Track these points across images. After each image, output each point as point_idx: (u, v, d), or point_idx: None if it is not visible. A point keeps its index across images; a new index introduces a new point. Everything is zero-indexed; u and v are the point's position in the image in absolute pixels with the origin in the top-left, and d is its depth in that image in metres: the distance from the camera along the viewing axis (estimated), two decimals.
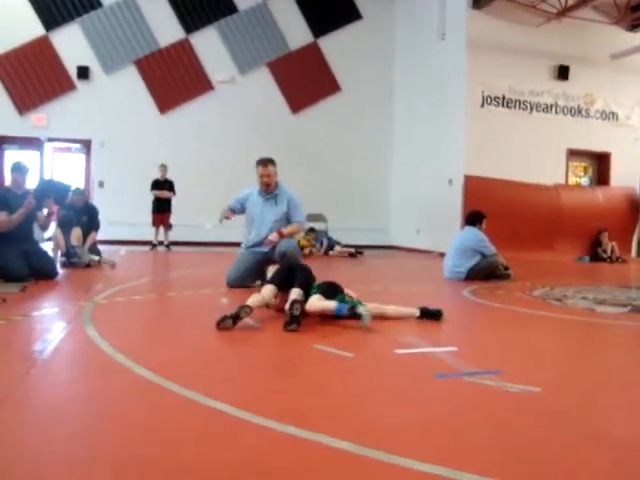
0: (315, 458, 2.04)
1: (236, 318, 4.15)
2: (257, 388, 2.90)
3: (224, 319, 4.13)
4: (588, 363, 3.76)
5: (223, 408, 2.47)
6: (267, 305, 4.62)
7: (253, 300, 4.40)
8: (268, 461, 2.01)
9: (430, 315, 4.64)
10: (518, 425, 2.43)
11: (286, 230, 6.23)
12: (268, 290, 4.63)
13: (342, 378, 3.14)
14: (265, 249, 6.22)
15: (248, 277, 6.25)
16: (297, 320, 4.16)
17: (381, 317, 4.56)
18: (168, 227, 12.13)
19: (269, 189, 6.46)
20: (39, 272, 6.38)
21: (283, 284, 4.69)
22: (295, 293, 4.44)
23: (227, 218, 6.39)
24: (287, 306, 4.30)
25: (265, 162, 6.47)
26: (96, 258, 8.28)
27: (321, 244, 12.55)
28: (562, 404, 2.74)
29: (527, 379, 3.01)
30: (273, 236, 6.12)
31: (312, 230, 12.55)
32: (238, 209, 6.55)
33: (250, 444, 2.15)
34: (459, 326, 4.97)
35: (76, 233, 8.20)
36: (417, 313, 4.63)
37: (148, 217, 12.08)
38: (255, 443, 2.16)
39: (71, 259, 8.05)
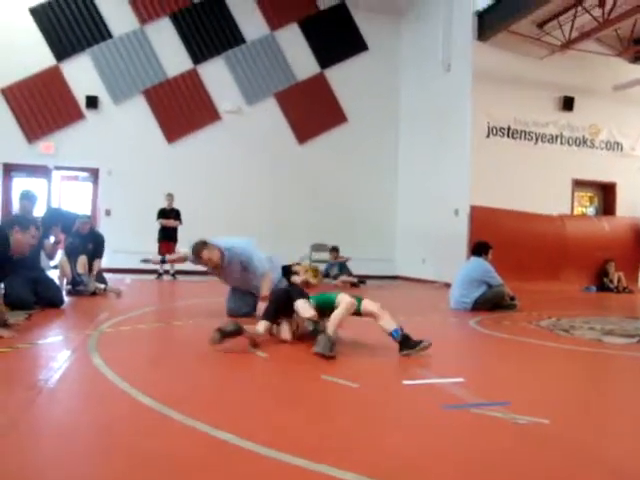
0: None
1: (223, 335, 4.32)
2: (263, 419, 2.88)
3: (216, 336, 4.32)
4: (597, 394, 3.72)
5: (227, 438, 2.45)
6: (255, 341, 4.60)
7: (249, 327, 4.54)
8: None
9: (407, 344, 4.43)
10: (527, 457, 2.40)
11: (264, 292, 5.89)
12: (262, 326, 4.74)
13: (349, 409, 3.12)
14: None
15: (244, 305, 6.30)
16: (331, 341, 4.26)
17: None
18: None
19: (214, 267, 6.21)
20: (45, 300, 6.39)
21: (280, 313, 4.80)
22: (305, 310, 4.55)
23: None
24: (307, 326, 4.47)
25: (196, 251, 6.16)
26: (102, 286, 8.29)
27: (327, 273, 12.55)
28: (571, 436, 2.71)
29: (535, 411, 2.99)
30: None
31: (335, 249, 12.68)
32: None
33: (254, 474, 2.13)
34: (466, 357, 4.94)
35: (82, 261, 8.22)
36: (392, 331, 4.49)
37: (154, 246, 12.10)
38: (259, 474, 2.13)
39: (77, 287, 8.05)
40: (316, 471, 2.14)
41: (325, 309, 4.71)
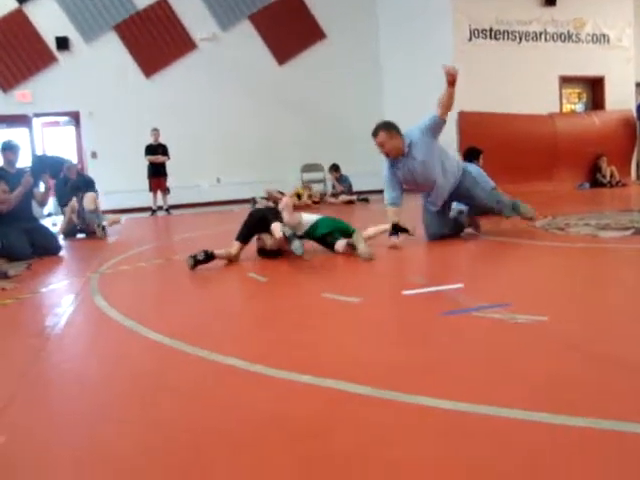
0: (336, 405, 2.08)
1: (196, 262, 4.78)
2: (269, 342, 2.93)
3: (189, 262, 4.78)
4: (594, 289, 3.78)
5: (238, 364, 2.50)
6: (230, 259, 5.05)
7: (220, 251, 4.96)
8: (290, 412, 2.04)
9: (401, 230, 5.19)
10: (529, 354, 2.46)
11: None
12: (235, 246, 5.09)
13: (353, 324, 3.17)
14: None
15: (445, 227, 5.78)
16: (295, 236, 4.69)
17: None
18: (165, 191, 12.10)
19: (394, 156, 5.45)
20: (42, 249, 6.39)
21: (254, 233, 5.16)
22: (278, 227, 4.78)
23: None
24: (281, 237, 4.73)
25: (373, 133, 5.46)
26: (104, 222, 8.26)
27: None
28: (571, 331, 2.76)
29: (535, 309, 3.03)
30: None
31: (335, 167, 12.69)
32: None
33: (269, 397, 2.18)
34: (464, 262, 4.99)
35: (91, 197, 8.17)
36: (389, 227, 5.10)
37: (145, 183, 12.03)
38: (274, 396, 2.18)
39: (87, 223, 8.06)
40: (325, 386, 2.20)
41: (337, 233, 5.22)
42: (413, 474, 1.59)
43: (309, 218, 5.37)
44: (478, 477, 1.55)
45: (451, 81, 5.17)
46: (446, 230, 5.69)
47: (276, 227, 4.75)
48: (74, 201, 8.22)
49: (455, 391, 2.07)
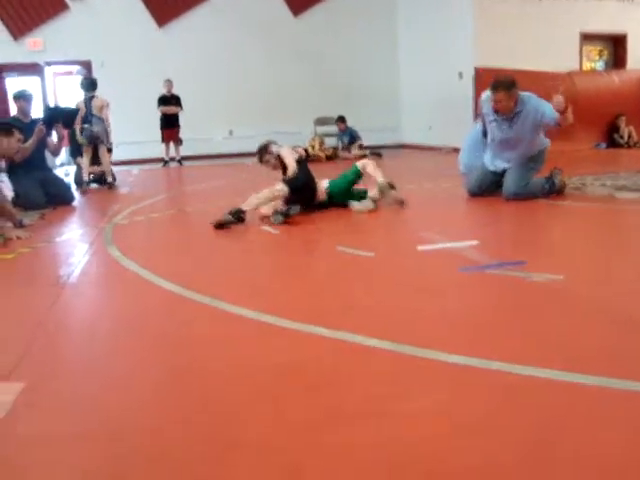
0: (346, 356, 2.09)
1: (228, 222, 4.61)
2: (283, 293, 2.95)
3: (221, 224, 4.59)
4: (609, 249, 3.75)
5: (251, 315, 2.52)
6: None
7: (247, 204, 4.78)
8: (303, 362, 2.06)
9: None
10: (544, 312, 2.46)
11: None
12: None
13: (367, 278, 3.17)
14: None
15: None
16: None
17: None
18: (178, 142, 12.02)
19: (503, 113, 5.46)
20: (56, 198, 6.40)
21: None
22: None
23: None
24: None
25: (494, 87, 5.46)
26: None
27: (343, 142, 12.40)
28: (587, 290, 2.75)
29: (551, 268, 3.02)
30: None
31: (341, 119, 12.48)
32: None
33: (282, 347, 2.20)
34: (479, 220, 4.97)
35: (100, 101, 8.15)
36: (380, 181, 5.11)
37: (157, 134, 11.95)
38: (287, 346, 2.20)
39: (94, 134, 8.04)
40: (339, 338, 2.21)
41: (351, 185, 5.33)
42: (425, 427, 1.60)
43: (323, 185, 5.33)
44: (489, 431, 1.56)
45: (560, 111, 5.16)
46: (486, 191, 5.69)
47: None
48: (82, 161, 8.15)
49: (468, 346, 2.08)
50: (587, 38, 13.12)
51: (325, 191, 5.25)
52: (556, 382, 1.79)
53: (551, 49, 12.34)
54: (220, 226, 4.58)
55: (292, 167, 5.06)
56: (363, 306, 2.65)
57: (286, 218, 4.58)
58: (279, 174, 5.26)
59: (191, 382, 1.95)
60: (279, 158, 5.22)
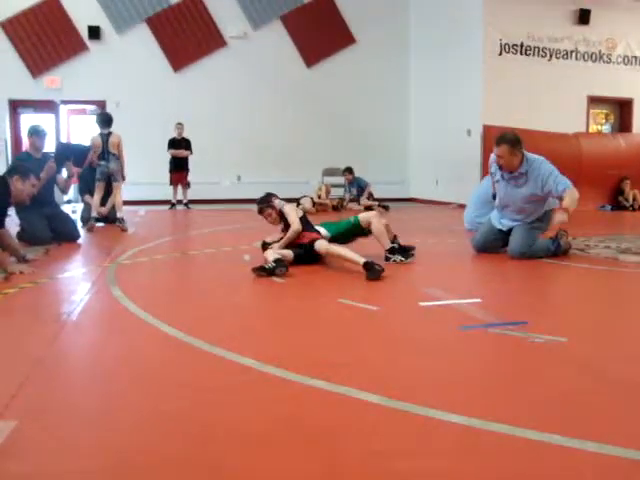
0: (346, 411, 2.07)
1: (270, 273, 4.46)
2: (284, 343, 2.93)
3: (260, 269, 4.48)
4: (613, 312, 3.74)
5: (251, 364, 2.50)
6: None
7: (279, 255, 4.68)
8: (299, 415, 2.03)
9: (372, 270, 4.38)
10: (545, 375, 2.44)
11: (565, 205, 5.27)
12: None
13: (368, 332, 3.16)
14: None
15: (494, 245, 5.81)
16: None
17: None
18: (186, 186, 12.13)
19: (505, 170, 5.56)
20: (62, 235, 6.43)
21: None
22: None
23: None
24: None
25: (497, 141, 5.55)
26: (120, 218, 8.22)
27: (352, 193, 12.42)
28: (589, 353, 2.73)
29: (553, 329, 3.01)
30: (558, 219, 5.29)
31: (349, 170, 12.45)
32: None
33: (279, 398, 2.17)
34: (482, 277, 4.96)
35: (117, 137, 8.18)
36: (361, 262, 4.50)
37: (166, 176, 12.07)
38: (284, 397, 2.18)
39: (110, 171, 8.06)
40: (338, 392, 2.19)
41: (347, 234, 5.32)
42: None
43: (322, 232, 5.30)
44: None
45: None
46: (491, 248, 5.72)
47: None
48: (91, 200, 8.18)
49: (467, 406, 2.05)
50: (594, 101, 13.32)
51: (326, 237, 5.18)
52: (555, 446, 1.76)
53: (559, 110, 12.53)
54: (262, 273, 4.48)
55: (296, 225, 5.02)
56: (363, 362, 2.63)
57: (268, 275, 4.47)
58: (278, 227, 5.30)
59: (186, 429, 1.92)
60: (281, 214, 5.21)
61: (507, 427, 1.88)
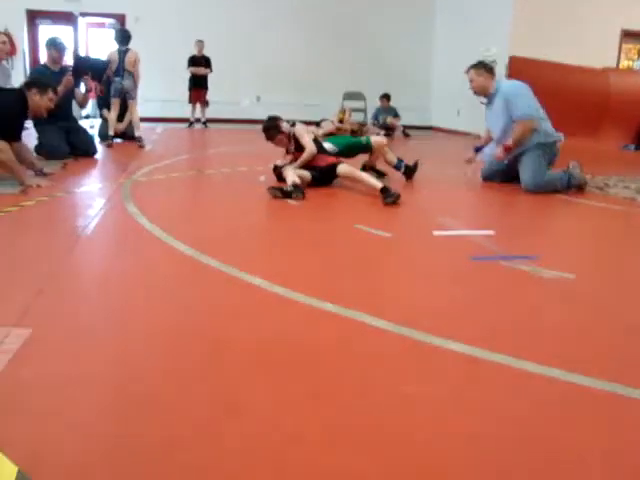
0: (351, 334, 2.10)
1: (287, 196, 4.49)
2: (295, 266, 2.96)
3: (276, 189, 4.52)
4: (625, 253, 3.72)
5: (261, 284, 2.54)
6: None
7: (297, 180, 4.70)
8: (301, 335, 2.08)
9: (388, 194, 4.48)
10: (549, 310, 2.46)
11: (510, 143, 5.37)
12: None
13: (381, 258, 3.19)
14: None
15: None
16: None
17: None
18: (205, 104, 12.00)
19: (479, 94, 5.69)
20: (79, 149, 6.44)
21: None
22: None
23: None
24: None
25: (467, 69, 5.67)
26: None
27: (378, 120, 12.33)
28: (595, 292, 2.74)
29: (562, 266, 3.01)
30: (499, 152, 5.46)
31: (386, 96, 12.46)
32: None
33: (285, 318, 2.22)
34: (497, 209, 4.94)
35: (134, 55, 8.08)
36: (379, 187, 4.62)
37: (184, 94, 11.94)
38: (290, 318, 2.22)
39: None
40: (347, 317, 2.22)
41: (355, 150, 5.68)
42: (422, 411, 1.62)
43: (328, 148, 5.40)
44: (483, 420, 1.57)
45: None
46: (497, 179, 5.80)
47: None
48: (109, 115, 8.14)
49: (472, 336, 2.09)
50: (628, 35, 12.87)
51: (333, 152, 5.32)
52: (555, 380, 1.80)
53: (589, 43, 12.12)
54: (278, 194, 4.50)
55: (310, 149, 5.05)
56: (376, 288, 2.66)
57: (284, 197, 4.50)
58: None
59: (195, 345, 1.97)
60: (293, 137, 5.18)
61: (509, 358, 1.91)
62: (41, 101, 4.92)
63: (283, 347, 1.97)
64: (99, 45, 13.53)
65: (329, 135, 6.65)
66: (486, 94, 5.61)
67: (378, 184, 4.64)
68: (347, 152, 5.55)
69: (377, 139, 5.76)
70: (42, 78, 5.59)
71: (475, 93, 5.70)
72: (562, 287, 2.72)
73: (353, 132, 11.59)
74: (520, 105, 5.34)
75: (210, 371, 1.78)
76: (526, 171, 5.39)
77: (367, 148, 5.66)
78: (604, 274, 3.11)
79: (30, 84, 5.00)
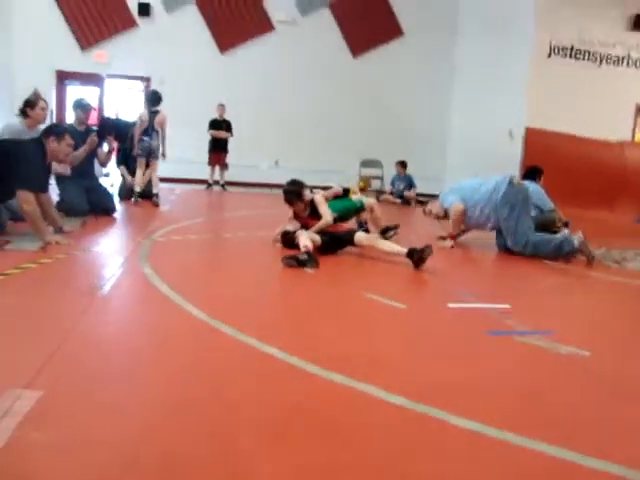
0: (362, 408, 2.08)
1: (301, 265, 4.43)
2: (308, 335, 2.94)
3: (291, 258, 4.45)
4: None
5: (274, 352, 2.52)
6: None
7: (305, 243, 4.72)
8: (315, 407, 2.05)
9: (416, 253, 4.56)
10: (565, 388, 2.42)
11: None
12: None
13: (393, 330, 3.16)
14: None
15: None
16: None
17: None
18: (224, 167, 12.20)
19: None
20: (98, 208, 6.54)
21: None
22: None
23: None
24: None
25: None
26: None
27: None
28: (611, 370, 2.70)
29: (578, 342, 2.98)
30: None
31: (402, 164, 12.63)
32: None
33: (298, 389, 2.20)
34: (513, 283, 4.91)
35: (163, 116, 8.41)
36: (404, 252, 4.67)
37: (205, 156, 12.15)
38: (303, 389, 2.20)
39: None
40: (363, 391, 2.20)
41: (350, 214, 5.90)
42: None
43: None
44: None
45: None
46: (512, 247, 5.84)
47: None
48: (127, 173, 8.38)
49: (485, 414, 2.05)
50: None
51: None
52: (565, 462, 1.76)
53: (605, 117, 12.27)
54: (293, 263, 4.44)
55: (327, 218, 5.18)
56: (387, 359, 2.64)
57: (298, 265, 4.44)
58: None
59: (204, 410, 1.96)
60: (311, 204, 5.28)
61: (520, 438, 1.88)
62: (59, 147, 5.02)
63: (292, 417, 1.94)
64: (124, 105, 13.92)
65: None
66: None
67: (402, 250, 4.69)
68: (344, 216, 5.69)
69: (369, 200, 6.21)
70: (58, 125, 5.71)
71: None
72: (577, 364, 2.68)
73: (361, 190, 11.73)
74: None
75: (223, 439, 1.76)
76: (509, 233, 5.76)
77: (361, 210, 6.03)
78: (618, 352, 3.06)
79: (47, 132, 5.11)
